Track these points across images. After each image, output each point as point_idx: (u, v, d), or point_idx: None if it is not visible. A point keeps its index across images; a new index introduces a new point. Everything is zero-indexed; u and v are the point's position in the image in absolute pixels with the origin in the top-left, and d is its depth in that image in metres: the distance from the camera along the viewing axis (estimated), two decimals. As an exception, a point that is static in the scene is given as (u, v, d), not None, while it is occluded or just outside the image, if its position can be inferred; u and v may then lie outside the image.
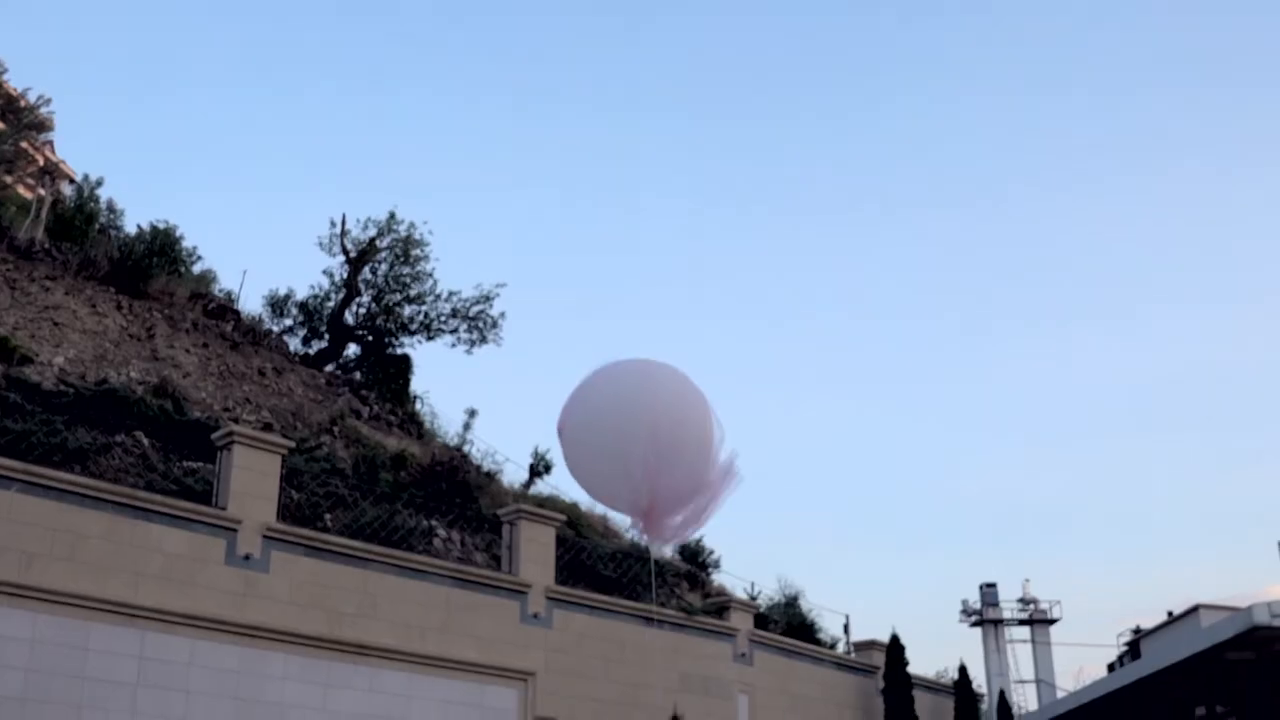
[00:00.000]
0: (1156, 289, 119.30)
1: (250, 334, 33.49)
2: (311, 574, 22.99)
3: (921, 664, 39.60)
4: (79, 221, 33.12)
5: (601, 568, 29.90)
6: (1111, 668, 49.28)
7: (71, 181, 39.12)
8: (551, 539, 27.71)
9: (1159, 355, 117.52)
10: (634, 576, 30.56)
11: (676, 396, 6.95)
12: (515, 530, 27.21)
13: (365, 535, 25.07)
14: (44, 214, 32.53)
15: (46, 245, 30.59)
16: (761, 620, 33.42)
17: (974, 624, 63.81)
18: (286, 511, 24.17)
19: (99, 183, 35.23)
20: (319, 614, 22.84)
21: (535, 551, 27.08)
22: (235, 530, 22.13)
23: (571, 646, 26.65)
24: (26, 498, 19.71)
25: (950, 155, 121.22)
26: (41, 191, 34.63)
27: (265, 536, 22.52)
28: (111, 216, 34.82)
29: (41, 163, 38.38)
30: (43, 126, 38.08)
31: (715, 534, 75.70)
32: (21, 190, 36.90)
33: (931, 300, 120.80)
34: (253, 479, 22.79)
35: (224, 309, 33.83)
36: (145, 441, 24.57)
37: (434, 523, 28.16)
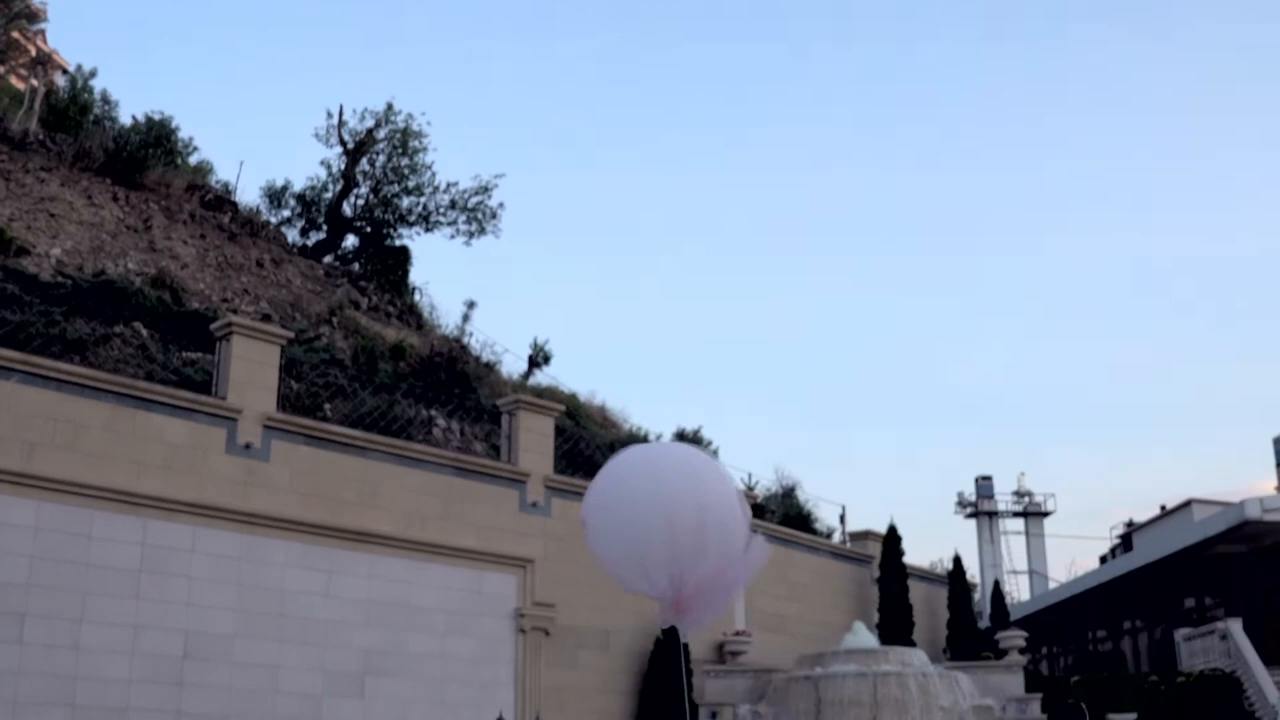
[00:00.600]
0: (1162, 180, 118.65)
1: (248, 225, 33.44)
2: (312, 463, 23.20)
3: (916, 554, 40.16)
4: (73, 112, 32.91)
5: (599, 457, 30.10)
6: (1104, 560, 49.93)
7: (64, 72, 38.77)
8: (550, 429, 27.93)
9: (1161, 247, 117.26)
10: (632, 466, 30.83)
11: (700, 486, 6.93)
12: (514, 420, 27.42)
13: (365, 425, 25.25)
14: (37, 105, 32.29)
15: (40, 136, 30.42)
16: (759, 510, 33.78)
17: (969, 516, 64.46)
18: (286, 401, 24.33)
19: (92, 73, 34.95)
20: (319, 502, 23.09)
21: (534, 441, 27.31)
22: (235, 420, 22.28)
23: (570, 534, 26.92)
24: (27, 388, 19.82)
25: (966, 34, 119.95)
26: (34, 82, 34.31)
27: (265, 426, 22.69)
28: (106, 107, 34.56)
29: (33, 53, 37.97)
30: (34, 16, 37.69)
31: (712, 425, 76.14)
32: (14, 81, 36.61)
33: (935, 184, 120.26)
34: (252, 369, 22.90)
35: (221, 200, 33.74)
36: (144, 332, 24.66)
37: (433, 413, 28.35)
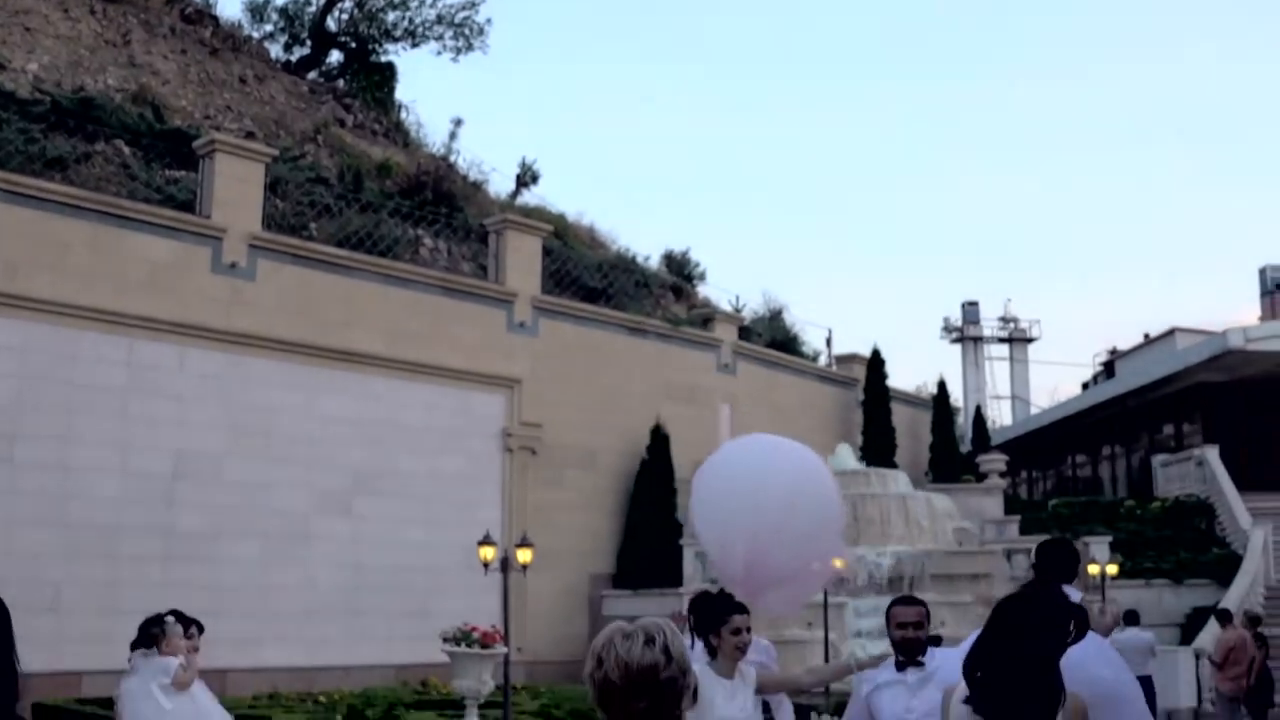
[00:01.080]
0: (1155, 8, 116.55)
1: (230, 40, 32.73)
2: (297, 282, 23.14)
3: (901, 378, 40.39)
4: (45, -81, 31.89)
5: (587, 278, 30.09)
6: (1086, 386, 50.31)
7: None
8: (538, 249, 27.83)
9: (1150, 77, 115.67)
10: (620, 287, 30.82)
11: (799, 484, 6.89)
12: (501, 240, 27.31)
13: (351, 244, 25.11)
14: (9, -89, 31.29)
15: (12, -55, 29.55)
16: (745, 332, 33.87)
17: (954, 341, 64.62)
18: (271, 221, 24.13)
19: (63, -123, 33.81)
20: (305, 321, 23.09)
21: (521, 261, 27.25)
22: (220, 239, 22.15)
23: (557, 355, 27.07)
24: (8, 207, 19.64)
25: None
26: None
27: (250, 245, 22.57)
28: (80, -86, 33.49)
29: None
30: None
31: (701, 246, 75.89)
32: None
33: (928, 9, 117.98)
34: (236, 187, 22.69)
35: (201, 14, 32.94)
36: (125, 150, 24.32)
37: (420, 232, 28.18)
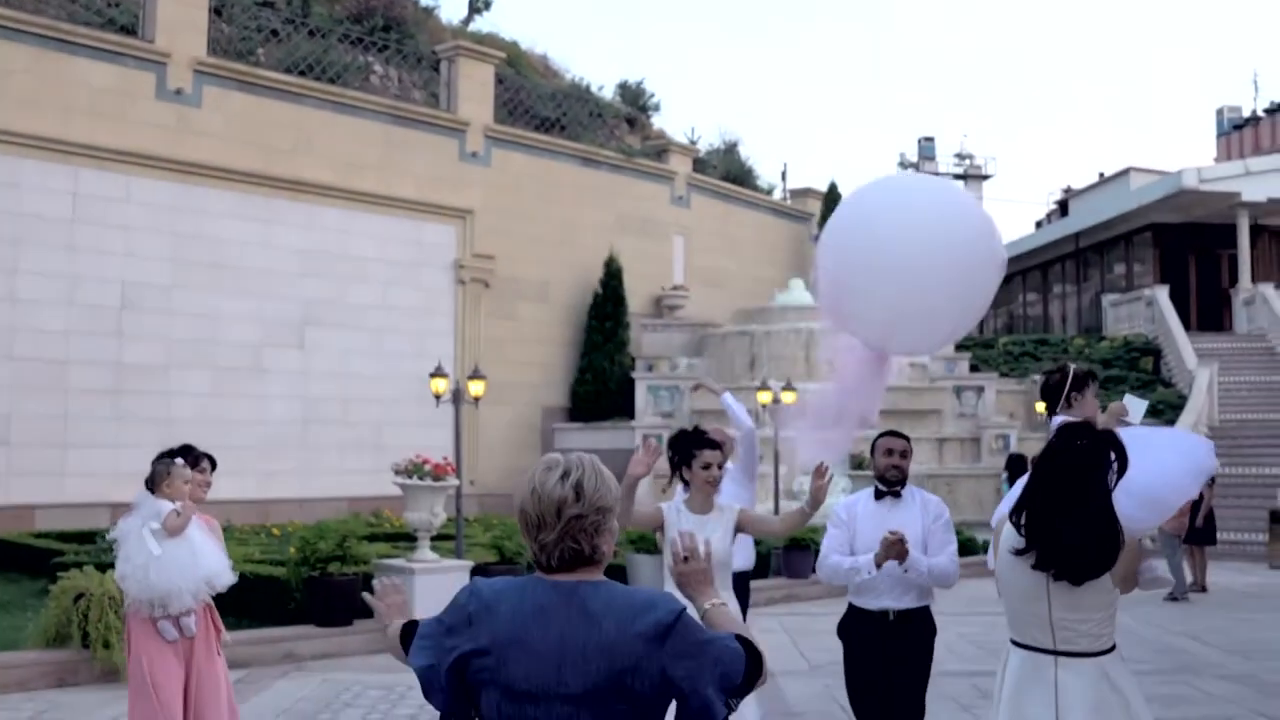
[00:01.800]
0: None
1: None
2: (245, 109, 22.66)
3: (855, 213, 40.09)
4: None
5: (540, 108, 29.61)
6: (1039, 225, 50.47)
7: None
8: (490, 77, 27.35)
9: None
10: (573, 118, 30.38)
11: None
12: (453, 67, 26.79)
13: (299, 71, 24.51)
14: None
15: None
16: (700, 165, 33.59)
17: (910, 175, 64.66)
18: (217, 46, 23.49)
19: None
20: (254, 150, 22.67)
21: (474, 89, 26.78)
22: (164, 64, 21.57)
23: (510, 185, 26.80)
24: (-58, 27, 19.02)
25: None
26: None
27: (196, 71, 22.00)
28: None
29: None
30: None
31: (656, 78, 74.77)
32: None
33: None
34: (180, 10, 22.05)
35: None
36: (64, -31, 23.49)
37: (370, 59, 27.55)
